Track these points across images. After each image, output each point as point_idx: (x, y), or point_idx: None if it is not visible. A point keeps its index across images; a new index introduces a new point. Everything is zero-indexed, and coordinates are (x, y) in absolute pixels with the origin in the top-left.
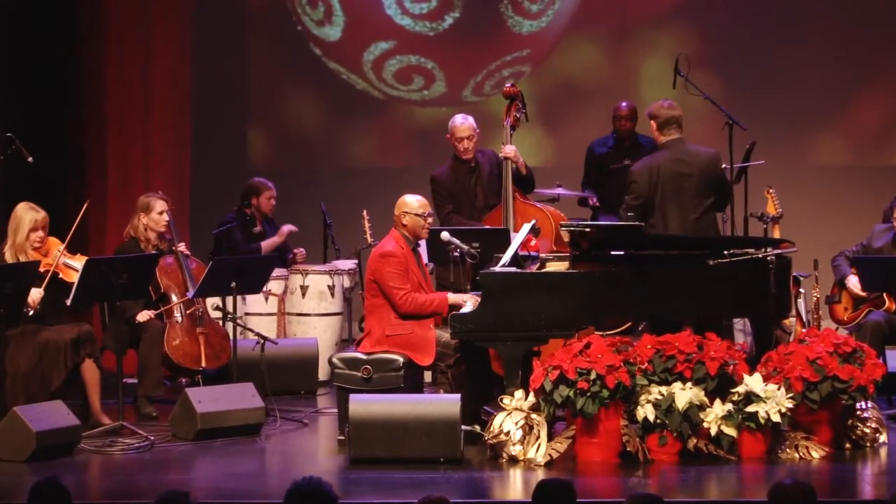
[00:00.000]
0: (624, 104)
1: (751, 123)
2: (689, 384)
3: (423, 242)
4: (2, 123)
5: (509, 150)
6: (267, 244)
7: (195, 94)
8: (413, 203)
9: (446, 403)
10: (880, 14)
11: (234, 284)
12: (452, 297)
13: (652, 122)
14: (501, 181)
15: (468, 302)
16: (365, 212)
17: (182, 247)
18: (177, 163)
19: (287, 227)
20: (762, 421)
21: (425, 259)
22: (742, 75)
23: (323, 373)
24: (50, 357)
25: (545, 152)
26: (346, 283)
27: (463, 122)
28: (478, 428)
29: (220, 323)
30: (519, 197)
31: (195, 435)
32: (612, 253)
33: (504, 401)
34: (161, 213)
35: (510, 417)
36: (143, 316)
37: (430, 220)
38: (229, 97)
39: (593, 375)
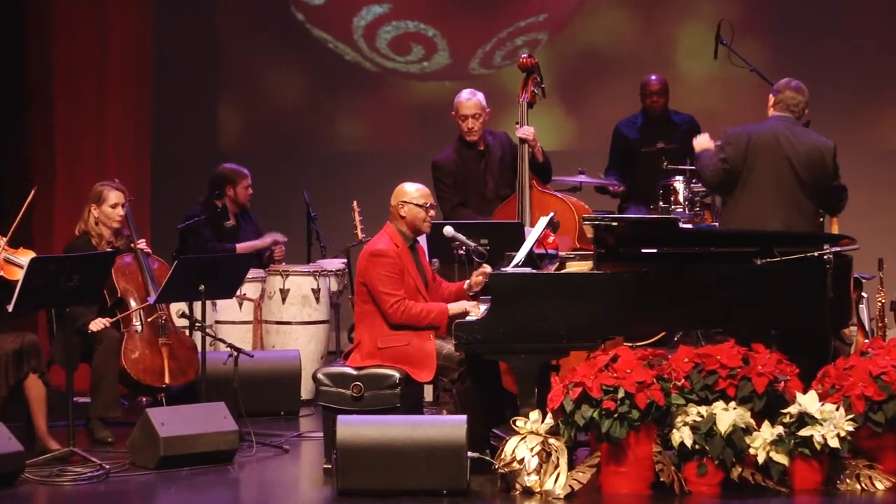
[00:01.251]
0: (654, 77)
1: None
2: (732, 404)
3: (422, 238)
4: None
5: (527, 131)
6: (244, 247)
7: (157, 65)
8: (412, 192)
9: (450, 426)
10: None
11: (202, 287)
12: (453, 307)
13: (770, 96)
14: (515, 168)
15: (473, 310)
16: (355, 203)
17: (142, 244)
18: (135, 146)
19: (271, 236)
20: (818, 446)
21: (428, 255)
22: (793, 44)
23: (306, 391)
24: None
25: (565, 134)
26: (334, 287)
27: (469, 98)
28: (487, 454)
29: (187, 332)
30: (536, 185)
31: (158, 463)
32: (644, 251)
33: (517, 423)
34: (116, 205)
35: (524, 443)
36: (97, 324)
37: (432, 212)
38: (197, 69)
39: (621, 394)
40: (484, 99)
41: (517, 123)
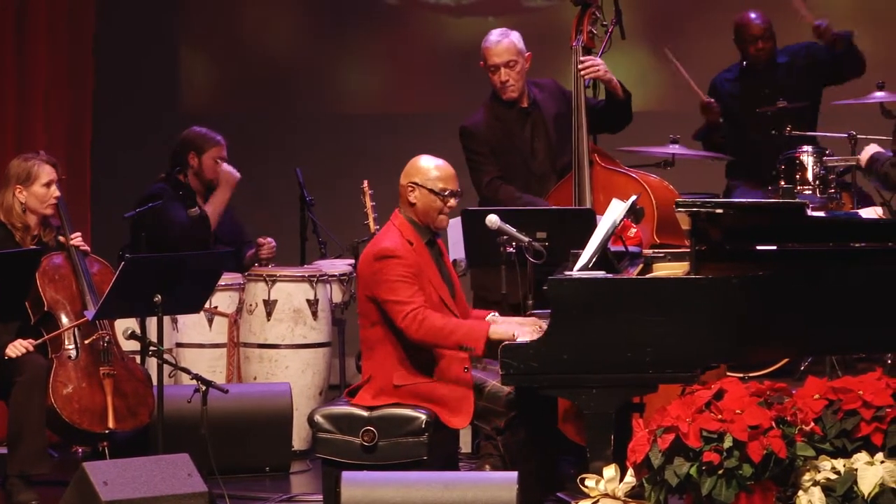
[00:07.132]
0: (754, 16)
1: None
2: (879, 456)
3: (452, 229)
4: None
5: (593, 66)
6: (214, 209)
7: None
8: (428, 170)
9: (496, 487)
10: None
11: (158, 298)
12: (498, 329)
13: None
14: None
15: (526, 329)
16: (366, 183)
17: (77, 239)
18: (71, 107)
19: (226, 171)
20: None
21: (453, 255)
22: None
23: (299, 438)
24: None
25: (652, 88)
26: (337, 297)
27: (499, 41)
28: None
29: (138, 360)
30: (599, 160)
31: None
32: (759, 248)
33: (587, 483)
34: (50, 183)
35: None
36: (16, 349)
37: (452, 202)
38: (153, 4)
39: (728, 442)
40: (520, 40)
41: (577, 63)
